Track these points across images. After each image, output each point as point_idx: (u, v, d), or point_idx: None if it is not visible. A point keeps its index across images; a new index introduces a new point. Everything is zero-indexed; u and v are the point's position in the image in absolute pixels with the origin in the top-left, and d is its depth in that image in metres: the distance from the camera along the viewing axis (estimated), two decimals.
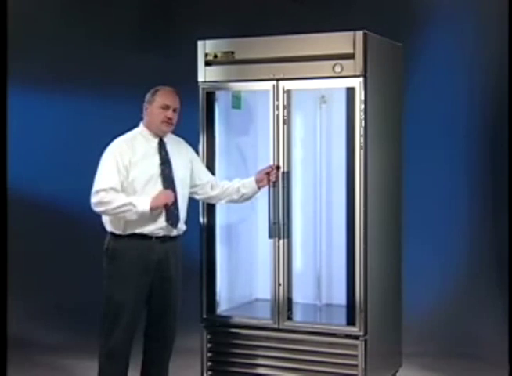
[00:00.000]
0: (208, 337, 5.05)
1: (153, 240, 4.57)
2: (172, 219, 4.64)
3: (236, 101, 5.36)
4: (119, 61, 6.81)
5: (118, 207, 4.45)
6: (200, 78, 5.03)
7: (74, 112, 6.87)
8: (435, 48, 6.40)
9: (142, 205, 4.47)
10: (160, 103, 4.63)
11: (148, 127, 4.67)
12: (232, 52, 4.95)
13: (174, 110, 4.67)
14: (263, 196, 5.34)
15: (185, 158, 4.81)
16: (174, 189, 4.65)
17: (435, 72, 6.40)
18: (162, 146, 4.68)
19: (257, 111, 5.49)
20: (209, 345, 5.05)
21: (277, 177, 4.85)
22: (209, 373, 5.06)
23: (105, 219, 4.61)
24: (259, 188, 4.92)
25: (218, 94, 5.10)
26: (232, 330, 5.01)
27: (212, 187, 4.92)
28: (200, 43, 5.04)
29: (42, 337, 6.36)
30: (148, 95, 4.68)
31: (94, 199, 4.50)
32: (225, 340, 5.02)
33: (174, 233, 4.68)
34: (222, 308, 5.19)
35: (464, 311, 6.32)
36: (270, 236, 4.88)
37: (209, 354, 5.05)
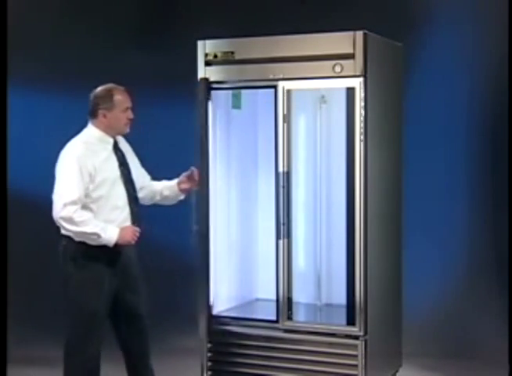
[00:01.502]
0: (208, 337, 5.05)
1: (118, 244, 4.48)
2: (138, 222, 4.59)
3: (236, 101, 5.37)
4: (119, 61, 6.80)
5: (85, 233, 4.35)
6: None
7: (74, 112, 6.85)
8: (435, 48, 6.39)
9: (109, 238, 4.39)
10: (123, 107, 4.54)
11: (105, 130, 4.54)
12: (232, 52, 4.95)
13: (132, 109, 4.61)
14: (263, 196, 5.37)
15: (133, 157, 4.76)
16: (134, 190, 4.60)
17: (435, 72, 6.39)
18: (117, 147, 4.61)
19: (257, 111, 5.50)
20: (209, 345, 5.05)
21: (198, 180, 4.81)
22: (209, 373, 5.06)
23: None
24: (180, 191, 4.86)
25: (218, 94, 5.10)
26: (232, 330, 5.01)
27: (142, 188, 4.83)
28: (200, 43, 5.04)
29: (42, 337, 6.35)
30: (101, 100, 4.52)
31: (62, 212, 4.31)
32: (225, 340, 5.02)
33: None
34: (222, 308, 5.19)
35: (464, 311, 6.32)
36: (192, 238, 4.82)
37: (209, 354, 5.05)
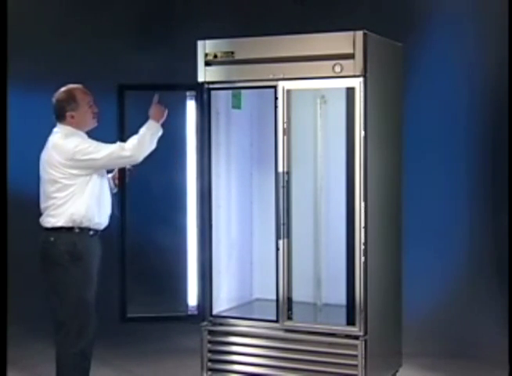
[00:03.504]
0: (208, 337, 5.05)
1: (98, 234, 4.74)
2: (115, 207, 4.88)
3: (236, 101, 5.37)
4: (119, 61, 6.80)
5: (150, 139, 4.73)
6: (200, 78, 5.03)
7: None
8: (435, 48, 6.39)
9: (157, 128, 4.80)
10: (86, 103, 4.75)
11: (79, 127, 4.75)
12: (232, 52, 4.95)
13: (95, 103, 4.82)
14: (262, 196, 5.36)
15: None
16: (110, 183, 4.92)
17: (435, 72, 6.39)
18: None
19: (257, 111, 5.50)
20: (209, 345, 5.05)
21: (118, 179, 4.98)
22: (209, 373, 5.06)
23: (59, 217, 4.62)
24: (115, 185, 5.00)
25: (218, 94, 5.11)
26: (232, 330, 5.02)
27: None
28: (200, 43, 5.04)
29: (42, 337, 6.35)
30: (66, 103, 4.73)
31: (126, 151, 4.65)
32: (225, 340, 5.02)
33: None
34: (222, 308, 5.19)
35: (464, 311, 6.32)
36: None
37: (209, 354, 5.05)
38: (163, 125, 4.87)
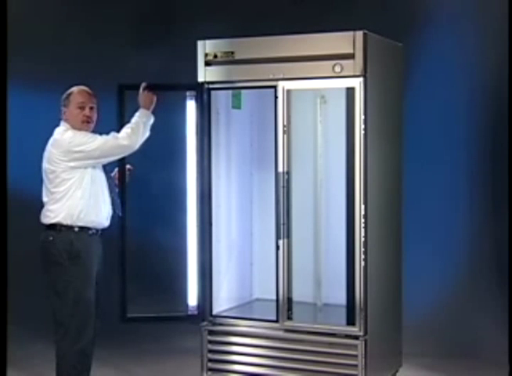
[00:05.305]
0: (208, 337, 5.05)
1: (99, 234, 4.76)
2: (119, 208, 4.88)
3: (236, 101, 5.37)
4: (119, 61, 6.80)
5: (143, 127, 4.75)
6: (200, 78, 5.03)
7: None
8: (435, 48, 6.39)
9: (146, 114, 4.82)
10: (76, 103, 4.75)
11: (71, 126, 4.76)
12: (232, 52, 4.95)
13: (91, 108, 4.79)
14: (262, 196, 5.36)
15: None
16: (110, 184, 4.88)
17: (435, 72, 6.39)
18: None
19: (257, 111, 5.50)
20: (209, 345, 5.05)
21: (118, 180, 5.01)
22: (209, 373, 5.06)
23: (57, 211, 4.64)
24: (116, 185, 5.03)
25: (218, 94, 5.11)
26: (232, 330, 5.02)
27: None
28: (200, 43, 5.04)
29: (42, 337, 6.35)
30: (63, 98, 4.79)
31: (120, 140, 4.67)
32: (225, 340, 5.03)
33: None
34: (222, 308, 5.19)
35: (464, 311, 6.32)
36: None
37: (209, 354, 5.05)
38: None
